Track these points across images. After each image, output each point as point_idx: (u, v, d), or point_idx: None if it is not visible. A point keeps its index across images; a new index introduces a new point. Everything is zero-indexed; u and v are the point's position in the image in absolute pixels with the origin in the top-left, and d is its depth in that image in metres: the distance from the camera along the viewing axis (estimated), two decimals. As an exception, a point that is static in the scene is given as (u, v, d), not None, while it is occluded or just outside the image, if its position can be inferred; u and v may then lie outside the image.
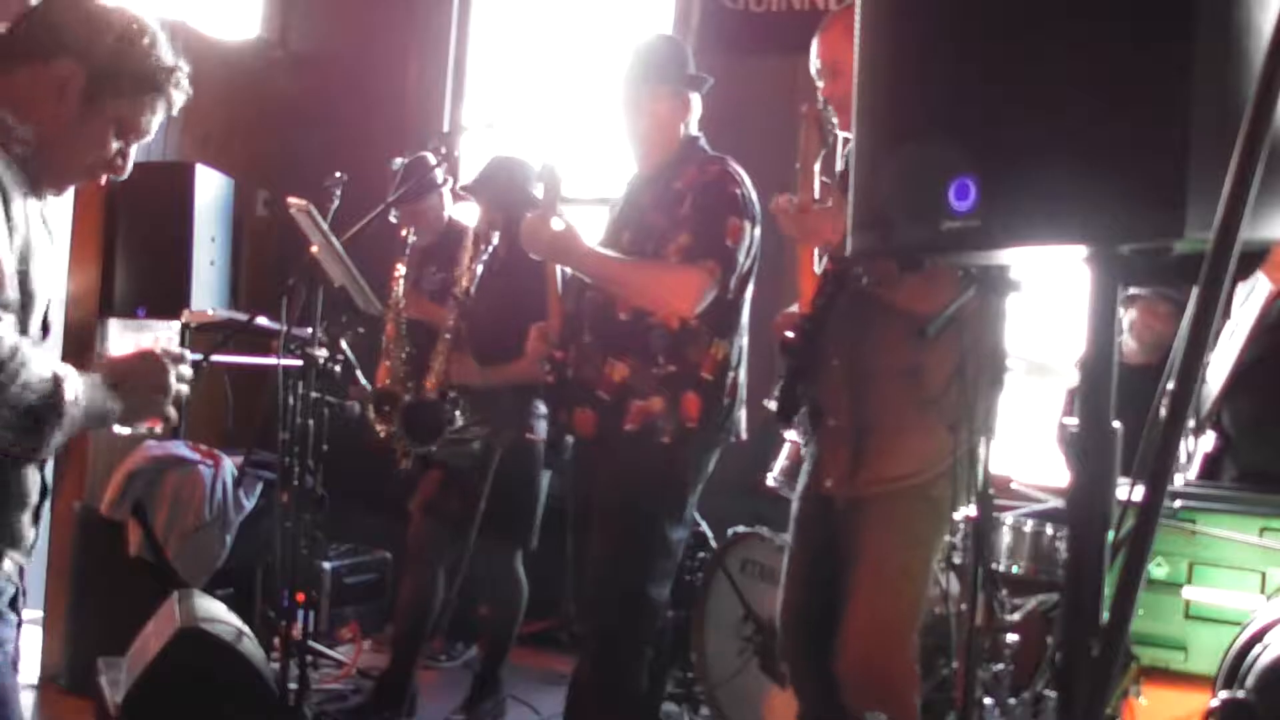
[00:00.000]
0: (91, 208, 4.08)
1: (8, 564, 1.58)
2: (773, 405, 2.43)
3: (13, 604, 1.61)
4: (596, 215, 3.24)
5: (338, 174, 3.74)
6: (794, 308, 2.47)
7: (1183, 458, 2.67)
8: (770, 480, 3.26)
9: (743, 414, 2.76)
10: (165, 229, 4.21)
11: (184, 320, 4.04)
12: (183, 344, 3.73)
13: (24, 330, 1.52)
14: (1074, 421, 1.23)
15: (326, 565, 4.36)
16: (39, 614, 3.93)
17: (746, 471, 3.30)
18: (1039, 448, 3.65)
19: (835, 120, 2.37)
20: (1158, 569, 2.46)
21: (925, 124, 1.30)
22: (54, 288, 1.63)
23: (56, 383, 1.45)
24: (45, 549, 3.86)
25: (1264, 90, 0.97)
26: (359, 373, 3.84)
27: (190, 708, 2.77)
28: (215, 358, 3.48)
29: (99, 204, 4.06)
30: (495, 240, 3.58)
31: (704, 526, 3.67)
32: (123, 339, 4.10)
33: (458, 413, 3.53)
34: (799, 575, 2.50)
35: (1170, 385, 1.03)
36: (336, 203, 3.69)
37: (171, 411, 1.62)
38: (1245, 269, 2.49)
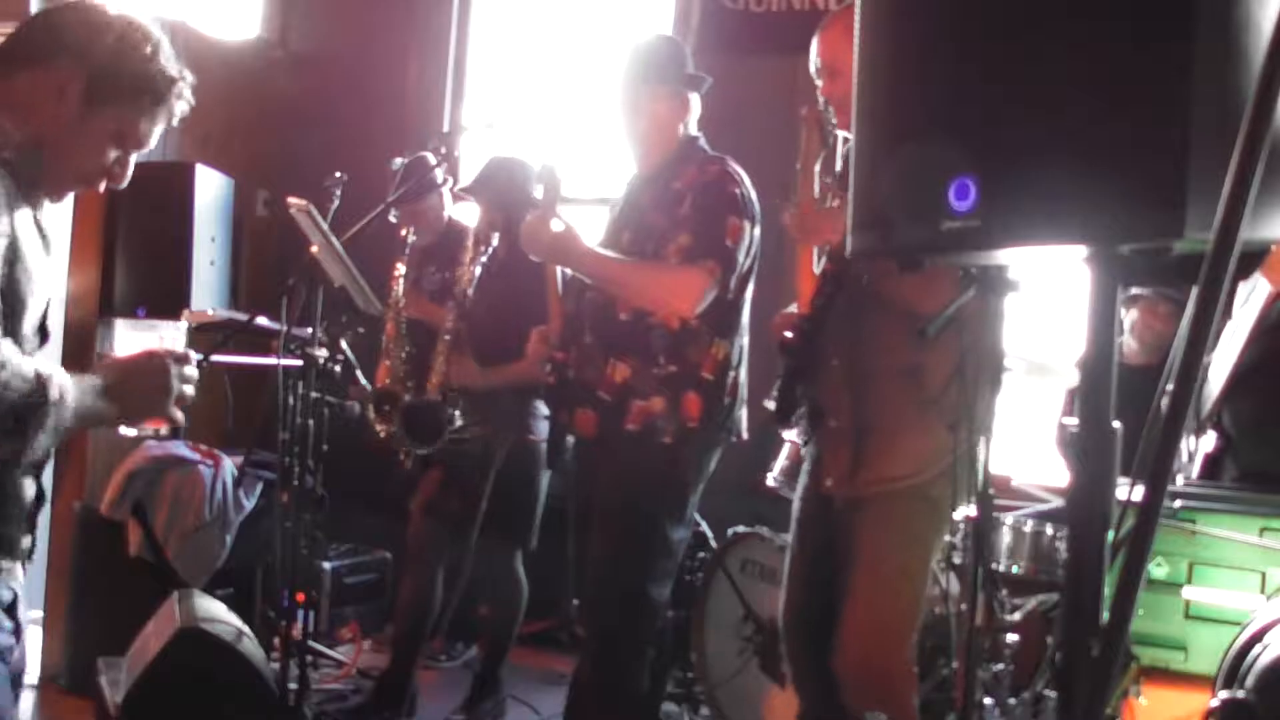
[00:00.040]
0: (92, 208, 4.08)
1: (3, 571, 1.57)
2: (772, 406, 2.44)
3: (10, 611, 1.59)
4: (596, 215, 3.25)
5: (338, 174, 3.74)
6: (792, 308, 2.47)
7: (1184, 457, 2.67)
8: (770, 480, 3.26)
9: (744, 414, 2.76)
10: (165, 229, 4.21)
11: (184, 320, 4.04)
12: (188, 345, 3.73)
13: (14, 335, 1.51)
14: (1074, 421, 1.23)
15: (326, 565, 4.36)
16: (39, 614, 3.93)
17: (746, 471, 3.30)
18: (1039, 448, 3.65)
19: (834, 120, 2.37)
20: (1158, 569, 2.46)
21: (925, 124, 1.30)
22: (50, 293, 1.61)
23: (39, 383, 1.43)
24: (45, 549, 3.86)
25: (1264, 90, 0.97)
26: (359, 373, 3.84)
27: (190, 708, 2.77)
28: (215, 358, 3.47)
29: (99, 204, 4.06)
30: (495, 241, 3.58)
31: (704, 526, 3.68)
32: (129, 339, 4.10)
33: (457, 413, 3.53)
34: (799, 575, 2.50)
35: (1170, 385, 1.03)
36: (336, 203, 3.69)
37: (175, 412, 1.61)
38: (1245, 269, 2.49)
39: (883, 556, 2.29)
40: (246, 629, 3.03)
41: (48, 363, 1.50)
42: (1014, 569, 3.05)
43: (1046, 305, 3.33)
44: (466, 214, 3.88)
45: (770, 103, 4.13)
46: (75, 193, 1.72)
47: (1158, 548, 2.43)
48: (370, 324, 3.81)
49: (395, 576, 4.42)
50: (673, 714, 3.64)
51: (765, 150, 2.97)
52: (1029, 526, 3.04)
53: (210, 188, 4.36)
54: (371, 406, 3.69)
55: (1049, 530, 3.03)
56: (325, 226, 3.33)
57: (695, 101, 2.76)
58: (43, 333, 1.61)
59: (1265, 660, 2.06)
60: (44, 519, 1.68)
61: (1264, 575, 2.37)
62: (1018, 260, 1.50)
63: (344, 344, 3.66)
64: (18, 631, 1.61)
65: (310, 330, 3.29)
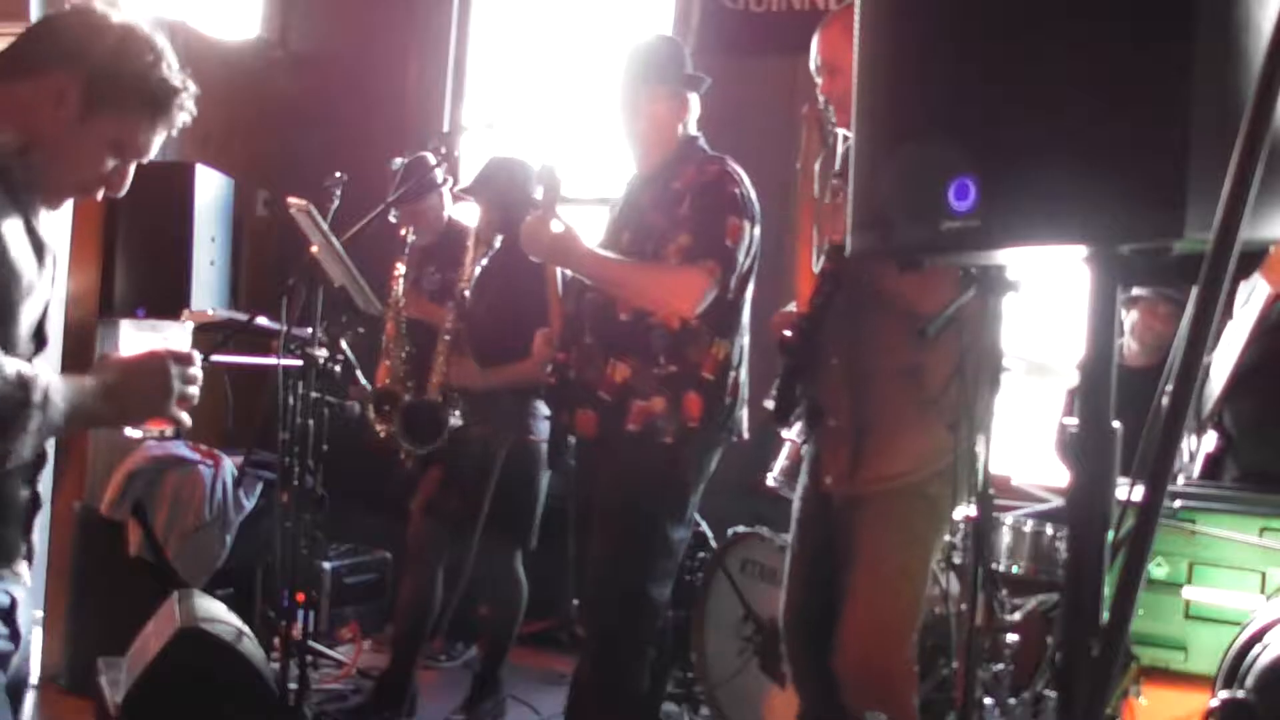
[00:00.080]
0: (91, 208, 4.08)
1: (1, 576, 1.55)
2: (770, 405, 2.44)
3: (7, 617, 1.57)
4: (596, 215, 3.25)
5: (338, 174, 3.74)
6: (791, 306, 2.47)
7: (1185, 457, 2.67)
8: (770, 480, 3.26)
9: (744, 413, 2.76)
10: (165, 229, 4.21)
11: (188, 320, 4.04)
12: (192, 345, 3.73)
13: (5, 339, 1.49)
14: (1074, 421, 1.23)
15: (326, 565, 4.36)
16: (39, 614, 3.93)
17: (746, 471, 3.30)
18: (1039, 448, 3.65)
19: (834, 118, 2.37)
20: (1158, 569, 2.46)
21: (925, 124, 1.30)
22: (46, 299, 1.60)
23: (21, 383, 1.41)
24: (45, 549, 3.86)
25: (1264, 90, 0.97)
26: (359, 373, 3.84)
27: (190, 708, 2.77)
28: (215, 358, 3.47)
29: (99, 204, 4.04)
30: (499, 243, 3.58)
31: (704, 526, 3.67)
32: (134, 339, 4.10)
33: (457, 412, 3.53)
34: (800, 575, 2.50)
35: (1170, 385, 1.03)
36: (336, 203, 3.69)
37: (178, 413, 1.58)
38: (1245, 269, 2.49)
39: (882, 556, 2.29)
40: (246, 629, 3.03)
41: (32, 365, 1.48)
42: (1014, 569, 3.06)
43: (1046, 305, 3.33)
44: (466, 214, 3.88)
45: (770, 103, 4.14)
46: (73, 200, 1.70)
47: (1158, 548, 2.43)
48: (370, 324, 3.81)
49: (395, 576, 4.42)
50: (673, 714, 3.64)
51: (765, 150, 2.97)
52: (1029, 526, 3.04)
53: (210, 188, 4.36)
54: (371, 406, 3.69)
55: (1049, 530, 3.03)
56: (325, 226, 3.33)
57: (694, 102, 2.76)
58: (39, 338, 1.60)
59: (1265, 660, 2.06)
60: (44, 520, 1.66)
61: (1264, 575, 2.37)
62: (1017, 260, 1.50)
63: (344, 344, 3.67)
64: (15, 637, 1.59)
65: (310, 330, 3.29)
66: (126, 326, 4.13)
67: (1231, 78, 1.07)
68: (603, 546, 2.67)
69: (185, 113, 1.65)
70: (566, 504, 2.96)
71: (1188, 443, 2.68)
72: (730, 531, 3.53)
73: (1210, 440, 2.74)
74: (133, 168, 1.65)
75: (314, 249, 3.28)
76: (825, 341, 2.36)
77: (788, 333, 2.39)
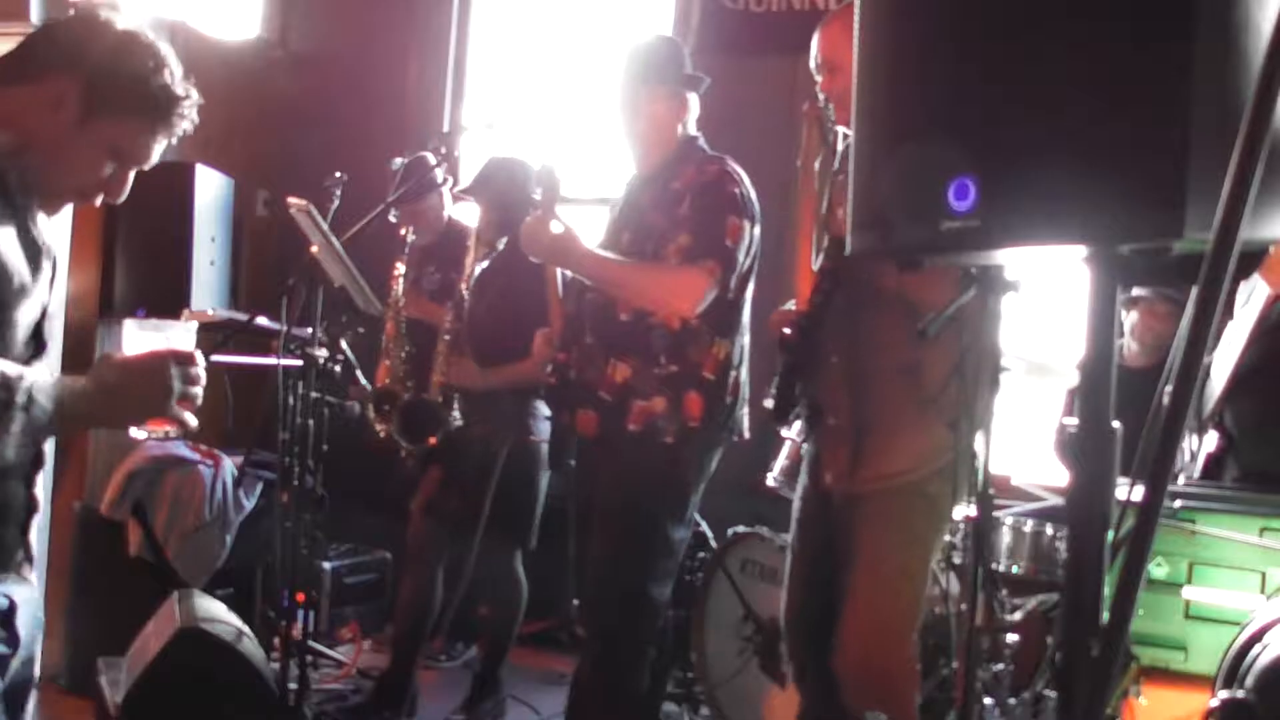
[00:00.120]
0: (91, 208, 4.07)
1: None
2: (769, 403, 2.44)
3: (5, 622, 1.55)
4: (596, 215, 3.25)
5: (338, 174, 3.74)
6: (790, 304, 2.47)
7: (1186, 457, 2.67)
8: (770, 480, 3.26)
9: (745, 413, 2.76)
10: (165, 229, 4.22)
11: (193, 320, 4.04)
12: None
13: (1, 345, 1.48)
14: (1074, 421, 1.23)
15: (326, 565, 4.36)
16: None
17: (746, 471, 3.30)
18: (1039, 447, 3.65)
19: (834, 116, 2.37)
20: (1158, 569, 2.46)
21: (925, 124, 1.30)
22: (43, 303, 1.58)
23: (3, 384, 1.40)
24: (45, 549, 3.86)
25: (1264, 90, 0.97)
26: (359, 373, 3.84)
27: (190, 708, 2.77)
28: (215, 358, 3.47)
29: (98, 206, 4.06)
30: (502, 245, 3.58)
31: (704, 526, 3.67)
32: (138, 338, 4.10)
33: (456, 412, 3.53)
34: (800, 575, 2.50)
35: (1170, 385, 1.03)
36: (336, 203, 3.69)
37: (180, 413, 1.56)
38: (1245, 269, 2.49)
39: (882, 556, 2.29)
40: (246, 629, 3.03)
41: (16, 366, 1.46)
42: (1014, 569, 3.05)
43: (1046, 305, 3.33)
44: (466, 214, 3.88)
45: (770, 103, 4.14)
46: (70, 205, 1.69)
47: (1158, 548, 2.43)
48: (370, 324, 3.81)
49: (395, 576, 4.42)
50: (673, 714, 3.64)
51: (765, 150, 2.97)
52: (1029, 526, 3.04)
53: (210, 188, 4.36)
54: (371, 406, 3.69)
55: (1049, 530, 3.03)
56: (325, 226, 3.33)
57: (694, 102, 2.76)
58: (37, 342, 1.59)
59: (1265, 660, 2.06)
60: (44, 520, 1.65)
61: (1264, 575, 2.37)
62: (1017, 260, 1.50)
63: (344, 344, 3.67)
64: (13, 641, 1.57)
65: (310, 330, 3.29)
66: (130, 326, 4.13)
67: (1231, 78, 1.07)
68: (603, 546, 2.67)
69: (187, 121, 1.63)
70: (566, 504, 2.96)
71: (1188, 443, 2.68)
72: (730, 531, 3.53)
73: (1211, 440, 2.74)
74: (132, 174, 1.64)
75: (314, 249, 3.28)
76: (824, 339, 2.36)
77: (787, 331, 2.39)
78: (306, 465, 3.27)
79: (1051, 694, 2.83)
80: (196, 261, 4.23)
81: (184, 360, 1.55)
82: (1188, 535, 2.44)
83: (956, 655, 2.12)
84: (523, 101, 5.13)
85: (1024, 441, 3.65)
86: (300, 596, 3.38)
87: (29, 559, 1.62)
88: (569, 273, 2.78)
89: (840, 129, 2.39)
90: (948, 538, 2.66)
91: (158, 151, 1.64)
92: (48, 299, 1.61)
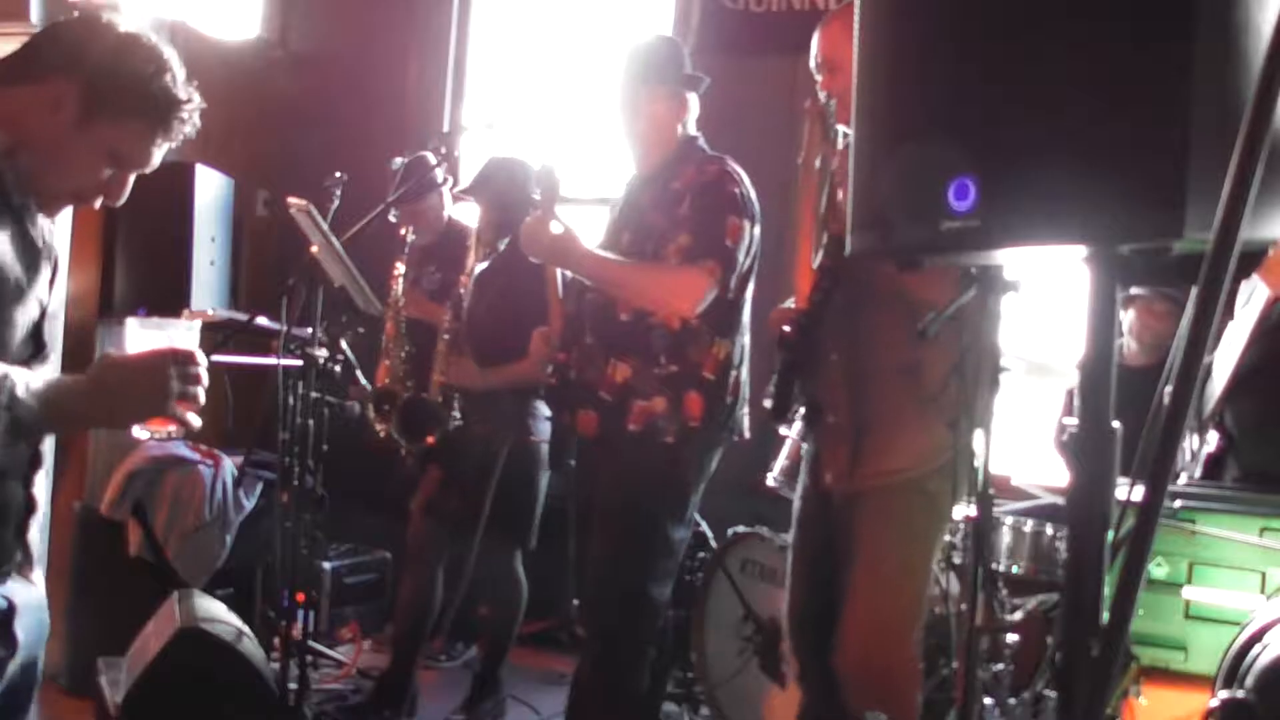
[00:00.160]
0: (91, 208, 4.08)
1: None
2: (768, 402, 2.43)
3: (3, 624, 1.54)
4: (596, 215, 3.25)
5: (338, 174, 3.74)
6: (789, 303, 2.47)
7: (1186, 457, 2.67)
8: (770, 480, 3.26)
9: (745, 413, 2.76)
10: (165, 229, 4.22)
11: (195, 320, 4.04)
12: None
13: None
14: (1074, 421, 1.23)
15: (326, 565, 4.36)
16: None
17: (746, 471, 3.30)
18: (1039, 447, 3.65)
19: (835, 115, 2.37)
20: (1158, 569, 2.46)
21: (925, 124, 1.30)
22: (42, 304, 1.58)
23: None
24: (45, 549, 3.86)
25: (1264, 90, 0.97)
26: (359, 373, 3.84)
27: (190, 708, 2.77)
28: (215, 357, 3.47)
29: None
30: (503, 246, 3.58)
31: (704, 526, 3.67)
32: (140, 337, 4.11)
33: (456, 412, 3.53)
34: (801, 574, 2.50)
35: (1170, 385, 1.03)
36: (336, 203, 3.69)
37: (181, 412, 1.53)
38: (1245, 269, 2.49)
39: (883, 554, 2.29)
40: (246, 629, 3.03)
41: (3, 366, 1.44)
42: (1014, 569, 3.05)
43: (1046, 305, 3.33)
44: (466, 214, 3.88)
45: (770, 103, 4.14)
46: (68, 207, 1.68)
47: (1158, 548, 2.43)
48: (370, 324, 3.81)
49: (395, 576, 4.42)
50: (673, 714, 3.64)
51: (765, 150, 2.97)
52: (1029, 526, 3.04)
53: (210, 188, 4.36)
54: (371, 406, 3.69)
55: (1049, 530, 3.03)
56: (325, 226, 3.33)
57: (694, 101, 2.76)
58: (36, 344, 1.58)
59: (1265, 660, 2.06)
60: (44, 521, 1.64)
61: (1264, 575, 2.37)
62: (1017, 260, 1.50)
63: (344, 344, 3.67)
64: (11, 643, 1.55)
65: (310, 330, 3.29)
66: (133, 324, 4.13)
67: (1231, 78, 1.07)
68: (603, 546, 2.67)
69: (188, 125, 1.61)
70: (566, 504, 2.96)
71: (1189, 443, 2.68)
72: (730, 531, 3.53)
73: (1212, 440, 2.74)
74: (132, 178, 1.63)
75: (314, 249, 3.28)
76: (824, 338, 2.36)
77: (786, 328, 2.39)
78: (306, 465, 3.27)
79: (1051, 694, 2.83)
80: (196, 261, 4.23)
81: (184, 359, 1.53)
82: (1188, 535, 2.44)
83: (956, 655, 2.12)
84: (523, 101, 5.13)
85: (1024, 441, 3.64)
86: (300, 596, 3.38)
87: (30, 560, 1.61)
88: (569, 273, 2.79)
89: (841, 128, 2.38)
90: (948, 537, 2.65)
91: (158, 156, 1.62)
92: (47, 300, 1.60)
